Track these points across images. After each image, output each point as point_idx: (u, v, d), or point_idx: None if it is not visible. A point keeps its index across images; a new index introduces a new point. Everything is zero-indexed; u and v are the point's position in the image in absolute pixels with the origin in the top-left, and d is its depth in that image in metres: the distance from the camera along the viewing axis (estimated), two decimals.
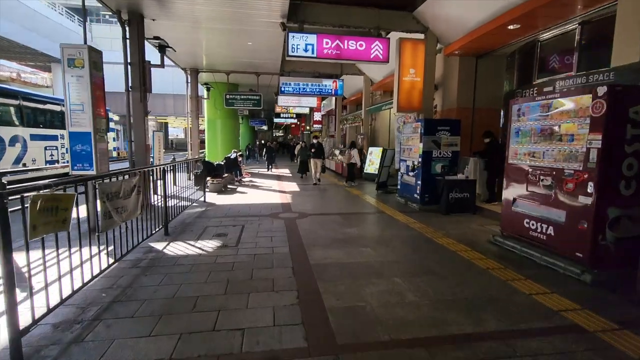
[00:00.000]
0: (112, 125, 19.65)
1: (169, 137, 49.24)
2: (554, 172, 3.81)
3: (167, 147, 40.35)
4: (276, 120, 26.29)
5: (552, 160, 3.85)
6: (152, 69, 7.26)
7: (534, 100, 4.15)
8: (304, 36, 7.03)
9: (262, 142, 27.96)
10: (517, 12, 5.62)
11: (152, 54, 7.99)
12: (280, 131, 46.84)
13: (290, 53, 7.02)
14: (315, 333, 2.48)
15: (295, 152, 14.99)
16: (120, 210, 3.50)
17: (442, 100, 8.54)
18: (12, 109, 9.86)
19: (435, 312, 2.79)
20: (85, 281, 3.02)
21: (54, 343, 2.34)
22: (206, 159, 10.61)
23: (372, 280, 3.43)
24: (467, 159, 7.47)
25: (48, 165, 10.94)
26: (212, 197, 8.26)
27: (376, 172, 10.36)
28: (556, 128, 3.81)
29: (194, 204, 7.21)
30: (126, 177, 3.83)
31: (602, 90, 3.27)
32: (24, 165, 9.99)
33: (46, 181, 2.51)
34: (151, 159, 8.67)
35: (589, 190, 3.40)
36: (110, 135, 19.88)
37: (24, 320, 2.23)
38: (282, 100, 15.63)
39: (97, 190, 3.13)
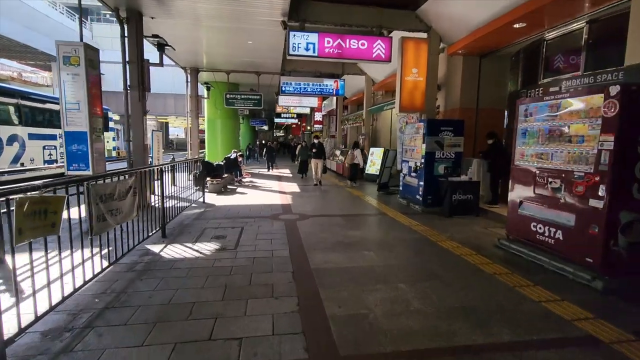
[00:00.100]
0: (112, 124, 19.55)
1: (170, 136, 49.21)
2: (563, 175, 3.69)
3: (168, 147, 40.31)
4: (277, 120, 26.22)
5: (561, 162, 3.72)
6: (152, 68, 7.17)
7: (542, 100, 4.02)
8: (305, 35, 6.92)
9: (263, 142, 27.87)
10: (523, 10, 5.50)
11: (151, 52, 7.90)
12: (281, 131, 46.78)
13: (291, 52, 6.90)
14: (317, 343, 2.36)
15: (296, 153, 14.89)
16: (114, 212, 3.39)
17: (445, 101, 8.41)
18: (10, 108, 9.78)
19: (441, 321, 2.66)
20: (77, 286, 2.90)
21: (42, 353, 2.23)
22: (206, 159, 10.51)
23: (375, 286, 3.31)
24: (471, 159, 7.34)
25: (46, 165, 10.86)
26: (212, 198, 8.14)
27: (377, 173, 10.25)
28: (565, 129, 3.69)
29: (193, 204, 7.10)
30: (121, 177, 3.72)
31: (614, 89, 3.15)
32: (22, 164, 9.90)
33: (34, 182, 2.39)
34: (150, 159, 8.56)
35: (600, 194, 3.28)
36: (110, 134, 19.80)
37: (10, 328, 2.12)
38: (283, 100, 15.56)
39: (88, 191, 3.00)
